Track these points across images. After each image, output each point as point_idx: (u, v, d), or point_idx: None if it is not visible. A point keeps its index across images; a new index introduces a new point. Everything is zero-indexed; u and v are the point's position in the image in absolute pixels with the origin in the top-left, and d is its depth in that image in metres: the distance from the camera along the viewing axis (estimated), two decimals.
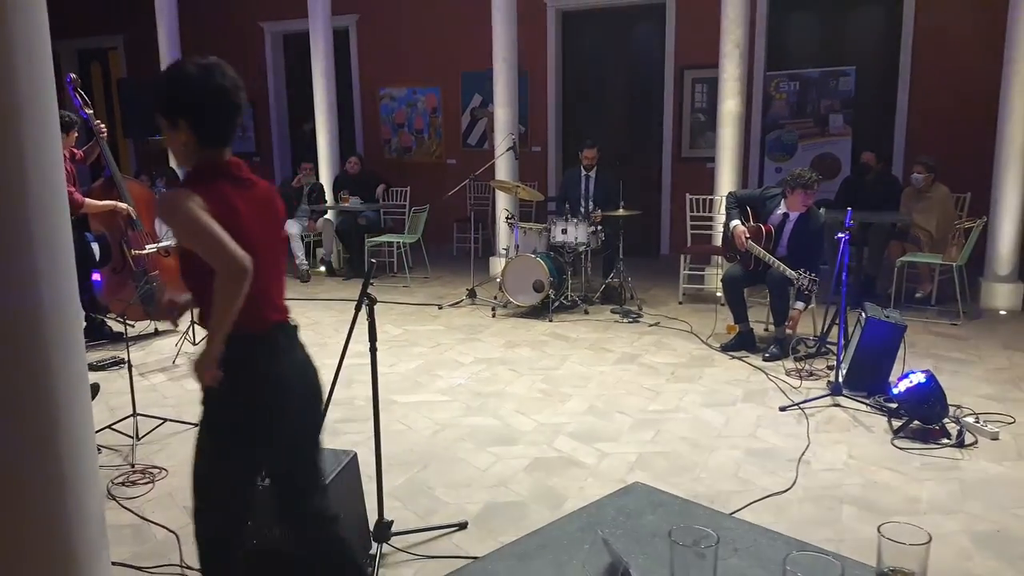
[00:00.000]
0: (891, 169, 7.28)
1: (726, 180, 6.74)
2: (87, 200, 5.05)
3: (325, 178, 8.49)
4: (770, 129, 7.89)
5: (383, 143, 9.91)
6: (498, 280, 6.48)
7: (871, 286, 6.52)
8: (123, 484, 3.35)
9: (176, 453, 3.64)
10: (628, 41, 8.67)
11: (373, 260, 2.84)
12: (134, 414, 3.76)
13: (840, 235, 4.22)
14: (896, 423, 3.83)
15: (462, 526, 2.95)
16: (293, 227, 8.07)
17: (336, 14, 8.55)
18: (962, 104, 7.09)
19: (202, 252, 1.71)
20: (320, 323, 6.17)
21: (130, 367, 3.81)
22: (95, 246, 5.94)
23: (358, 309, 2.67)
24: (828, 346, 5.01)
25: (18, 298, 1.44)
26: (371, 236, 7.85)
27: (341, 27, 9.47)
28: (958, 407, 3.97)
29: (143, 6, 9.18)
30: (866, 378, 4.29)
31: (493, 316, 6.28)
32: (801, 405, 4.17)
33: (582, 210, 6.79)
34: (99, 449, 3.68)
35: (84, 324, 5.64)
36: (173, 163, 8.91)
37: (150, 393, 4.34)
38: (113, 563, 2.70)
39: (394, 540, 2.79)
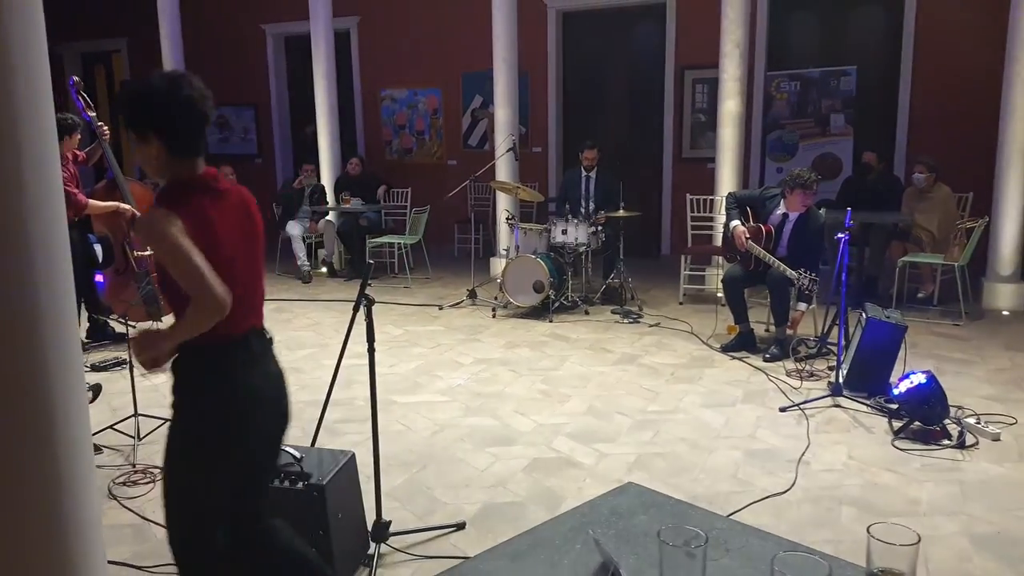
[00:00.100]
0: (892, 169, 7.26)
1: (726, 180, 6.73)
2: (90, 201, 5.06)
3: (327, 179, 8.50)
4: (771, 129, 7.88)
5: (384, 144, 9.92)
6: (498, 281, 6.48)
7: (873, 286, 6.50)
8: (124, 484, 3.35)
9: None
10: (628, 41, 8.67)
11: (371, 261, 2.84)
12: (135, 414, 3.77)
13: (840, 235, 4.22)
14: (897, 424, 3.82)
15: (460, 526, 2.95)
16: (295, 228, 8.09)
17: (337, 16, 8.57)
18: (964, 103, 7.07)
19: (182, 283, 1.73)
20: (321, 323, 6.18)
21: (131, 368, 3.81)
22: (98, 247, 5.96)
23: (356, 310, 2.68)
24: (829, 346, 5.00)
25: (15, 298, 1.44)
26: (372, 237, 7.86)
27: (342, 29, 9.49)
28: (959, 408, 3.96)
29: (146, 9, 9.21)
30: (867, 379, 4.28)
31: (493, 317, 6.28)
32: (801, 406, 4.16)
33: (582, 211, 6.79)
34: (100, 449, 3.70)
35: (88, 325, 5.70)
36: None
37: (151, 393, 4.35)
38: (113, 562, 2.72)
39: (392, 540, 2.78)
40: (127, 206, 5.22)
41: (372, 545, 2.71)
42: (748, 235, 5.04)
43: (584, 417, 4.12)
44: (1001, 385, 4.47)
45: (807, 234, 4.98)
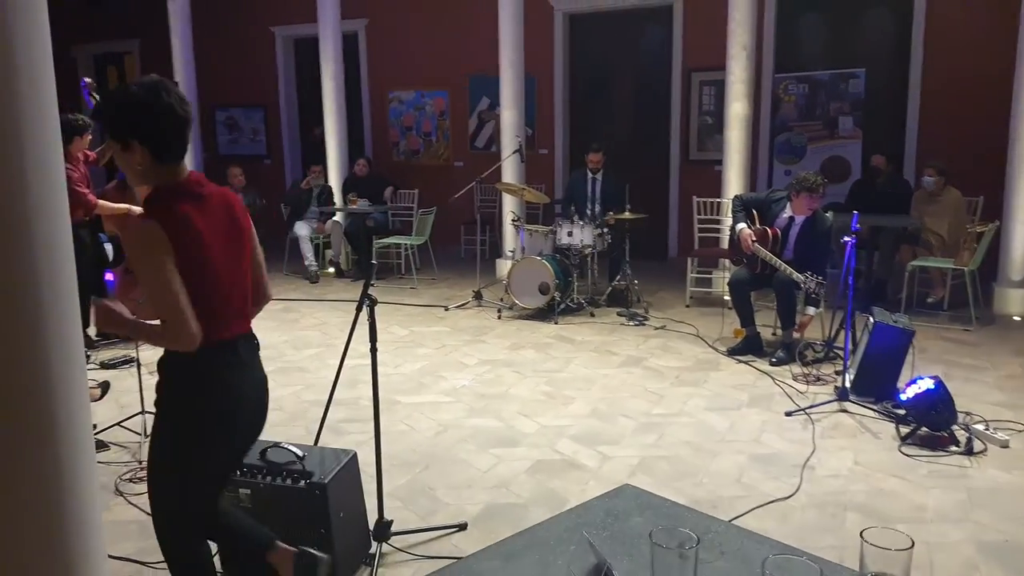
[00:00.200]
0: (902, 172, 7.21)
1: (734, 183, 6.71)
2: (100, 202, 5.09)
3: (334, 181, 8.53)
4: (779, 131, 7.85)
5: (391, 146, 9.94)
6: (504, 282, 6.48)
7: (882, 290, 6.46)
8: (131, 480, 3.38)
9: None
10: (635, 43, 8.65)
11: (374, 261, 2.84)
12: (143, 411, 3.78)
13: (846, 239, 4.19)
14: (904, 429, 3.79)
15: (462, 527, 2.95)
16: (302, 229, 8.12)
17: (346, 18, 8.60)
18: (974, 106, 7.02)
19: (155, 307, 1.79)
20: (327, 323, 6.19)
21: (139, 365, 3.84)
22: (109, 246, 6.01)
23: (359, 310, 2.69)
24: (836, 351, 4.97)
25: (19, 296, 1.44)
26: (379, 238, 7.87)
27: (351, 31, 9.52)
28: (968, 414, 3.92)
29: (158, 12, 9.27)
30: (874, 384, 4.25)
31: (499, 318, 6.27)
32: (807, 410, 4.13)
33: (588, 213, 6.78)
34: (108, 445, 3.73)
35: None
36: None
37: None
38: (118, 558, 2.74)
39: (394, 540, 2.79)
40: (138, 208, 5.24)
41: (374, 544, 2.71)
42: (754, 238, 5.02)
43: (588, 419, 4.11)
44: (1011, 391, 4.42)
45: (814, 237, 4.95)
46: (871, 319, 4.38)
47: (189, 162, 7.68)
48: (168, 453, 1.96)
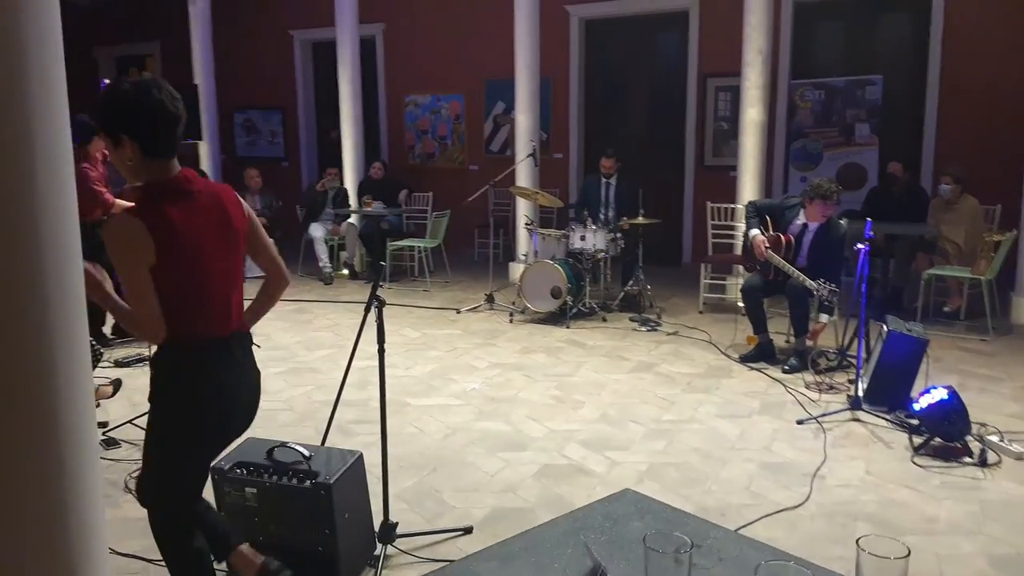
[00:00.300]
0: (919, 180, 7.14)
1: (748, 189, 6.67)
2: (117, 201, 5.16)
3: (350, 183, 8.58)
4: (795, 138, 7.80)
5: (407, 149, 9.98)
6: (516, 286, 6.48)
7: (898, 299, 6.40)
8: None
9: None
10: (651, 49, 8.64)
11: (383, 263, 2.86)
12: None
13: (860, 246, 4.15)
14: (917, 440, 3.74)
15: (467, 530, 2.94)
16: (317, 230, 8.18)
17: (364, 23, 8.66)
18: (992, 113, 6.94)
19: (128, 299, 1.87)
20: (340, 324, 6.22)
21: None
22: None
23: (367, 311, 2.70)
24: (849, 359, 4.93)
25: (25, 292, 1.45)
26: (393, 240, 7.91)
27: (368, 36, 9.58)
28: (982, 425, 3.87)
29: (178, 14, 9.39)
30: (887, 393, 4.21)
31: (511, 322, 6.28)
32: (819, 419, 4.10)
33: (602, 217, 6.77)
34: (119, 443, 3.77)
35: (114, 321, 5.80)
36: (203, 165, 9.09)
37: None
38: (125, 554, 2.76)
39: (399, 542, 2.79)
40: None
41: (379, 546, 2.72)
42: (768, 244, 4.99)
43: (597, 424, 4.10)
44: None
45: (827, 245, 4.91)
46: (885, 327, 4.33)
47: (206, 163, 7.82)
48: (159, 447, 1.99)
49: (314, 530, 2.45)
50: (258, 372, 2.15)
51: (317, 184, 8.45)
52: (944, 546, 2.87)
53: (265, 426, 4.06)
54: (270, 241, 2.21)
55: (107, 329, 5.61)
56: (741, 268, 6.17)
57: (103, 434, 3.83)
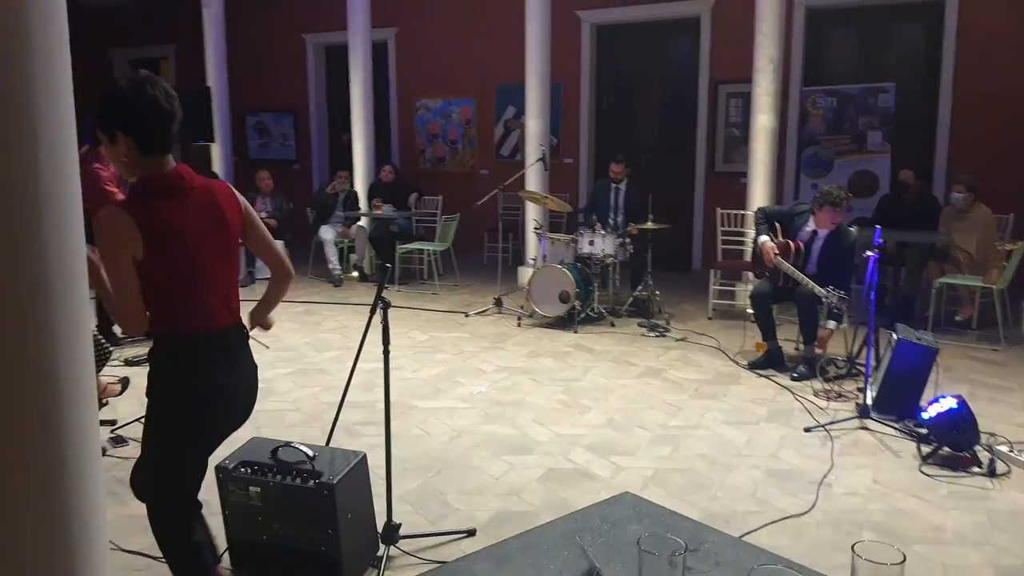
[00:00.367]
0: (931, 188, 7.10)
1: (759, 195, 6.65)
2: None
3: (360, 186, 8.62)
4: (806, 145, 7.77)
5: (418, 153, 10.02)
6: (525, 290, 6.48)
7: (909, 307, 6.35)
8: None
9: None
10: (662, 55, 8.64)
11: (388, 264, 2.86)
12: None
13: (869, 254, 4.13)
14: (925, 449, 3.71)
15: (471, 533, 2.94)
16: (327, 233, 8.22)
17: (376, 27, 8.70)
18: (1006, 122, 6.90)
19: (112, 289, 1.90)
20: (349, 327, 6.24)
21: None
22: None
23: (373, 312, 2.71)
24: (858, 367, 4.89)
25: (28, 293, 1.45)
26: (402, 243, 7.93)
27: (380, 40, 9.63)
28: (992, 435, 3.83)
29: (192, 18, 9.47)
30: (896, 401, 4.18)
31: (518, 325, 6.28)
32: (827, 427, 4.07)
33: (611, 222, 6.77)
34: (127, 441, 3.79)
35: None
36: (216, 167, 9.15)
37: None
38: (129, 551, 2.78)
39: (402, 543, 2.79)
40: None
41: (382, 547, 2.72)
42: (777, 251, 4.97)
43: (603, 429, 4.09)
44: None
45: (837, 252, 4.89)
46: (894, 336, 4.31)
47: (218, 165, 7.88)
48: (156, 440, 2.01)
49: (317, 530, 2.46)
50: (255, 366, 2.16)
51: (327, 186, 8.49)
52: (951, 556, 2.84)
53: (272, 426, 4.08)
54: (271, 240, 2.22)
55: (118, 329, 5.65)
56: (751, 274, 6.15)
57: (112, 432, 3.86)
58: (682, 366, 5.24)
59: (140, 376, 4.65)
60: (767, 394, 4.68)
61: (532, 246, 7.44)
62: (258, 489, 2.50)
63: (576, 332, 6.04)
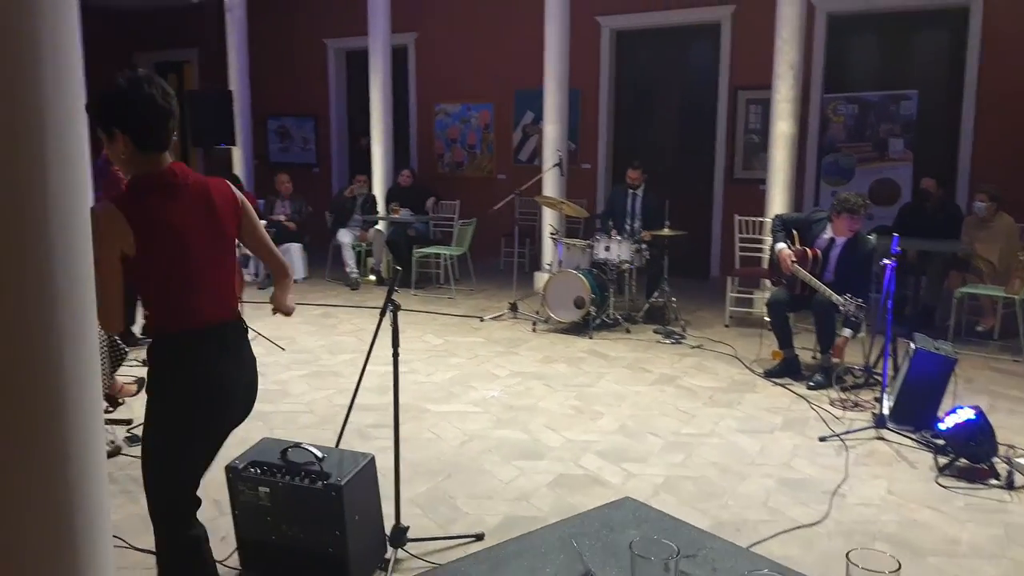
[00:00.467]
0: (954, 196, 7.00)
1: (777, 202, 6.60)
2: None
3: (379, 190, 8.67)
4: (827, 152, 7.70)
5: (436, 157, 10.06)
6: (540, 295, 6.48)
7: (930, 317, 6.27)
8: None
9: None
10: (682, 61, 8.61)
11: (398, 267, 2.87)
12: None
13: (886, 262, 4.08)
14: (942, 460, 3.66)
15: (479, 537, 2.95)
16: (345, 236, 8.27)
17: (396, 32, 8.77)
18: None
19: (95, 283, 1.87)
20: (364, 330, 6.27)
21: None
22: None
23: (383, 315, 2.72)
24: (876, 376, 4.83)
25: (33, 292, 1.43)
26: (419, 247, 7.97)
27: (400, 45, 9.68)
28: (1011, 447, 3.77)
29: (216, 23, 9.59)
30: (913, 412, 4.12)
31: (533, 331, 6.28)
32: (842, 436, 4.03)
33: (627, 228, 6.75)
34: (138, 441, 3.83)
35: (143, 321, 5.91)
36: (236, 170, 9.26)
37: None
38: (141, 550, 2.81)
39: (410, 546, 2.80)
40: None
41: (389, 549, 2.73)
42: (794, 258, 4.93)
43: (615, 436, 4.08)
44: None
45: (855, 260, 4.83)
46: (912, 345, 4.25)
47: (239, 168, 7.96)
48: (154, 436, 2.03)
49: (324, 531, 2.47)
50: (254, 361, 2.17)
51: (346, 190, 8.56)
52: (966, 569, 2.79)
53: (286, 427, 4.11)
54: (267, 239, 2.24)
55: (137, 329, 5.72)
56: (768, 282, 6.10)
57: (128, 431, 3.91)
58: (697, 373, 5.20)
59: None
60: (782, 403, 4.63)
61: (548, 251, 7.43)
62: (267, 489, 2.52)
63: (591, 338, 6.03)
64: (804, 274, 4.85)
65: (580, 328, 6.19)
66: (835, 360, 4.93)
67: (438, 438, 4.02)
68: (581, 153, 8.98)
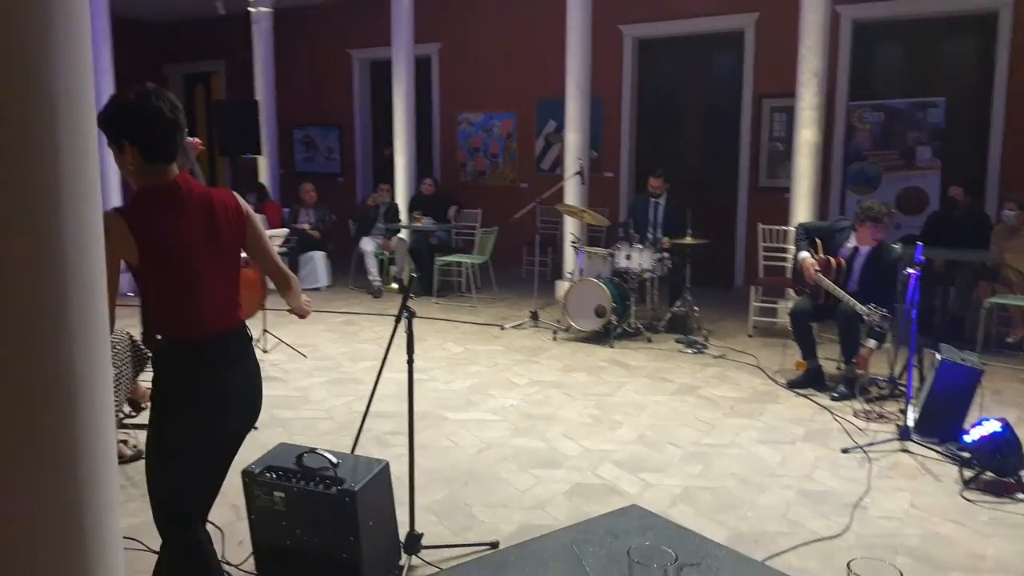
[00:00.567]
0: (982, 205, 6.87)
1: (802, 211, 6.53)
2: None
3: (401, 199, 8.74)
4: (852, 160, 7.60)
5: (459, 166, 10.12)
6: (561, 303, 6.47)
7: (958, 327, 6.15)
8: None
9: None
10: (705, 69, 8.58)
11: (414, 275, 2.89)
12: None
13: (909, 271, 4.02)
14: (968, 473, 3.58)
15: (493, 545, 2.94)
16: (368, 244, 8.35)
17: (419, 43, 8.85)
18: None
19: None
20: (385, 337, 6.25)
21: None
22: None
23: (398, 321, 2.74)
24: (901, 388, 4.75)
25: (45, 294, 1.43)
26: (441, 256, 8.00)
27: (424, 55, 9.77)
28: None
29: (242, 34, 9.77)
30: (939, 424, 4.04)
31: (554, 339, 6.26)
32: (865, 448, 3.96)
33: (649, 237, 6.72)
34: None
35: None
36: (262, 179, 9.40)
37: None
38: (158, 552, 2.84)
39: (424, 553, 2.80)
40: None
41: (404, 556, 2.74)
42: (818, 267, 4.87)
43: (633, 445, 4.05)
44: None
45: (879, 269, 4.76)
46: (938, 356, 4.17)
47: (265, 177, 8.08)
48: (156, 444, 2.05)
49: (338, 536, 2.49)
50: (257, 370, 2.18)
51: (369, 199, 8.63)
52: None
53: (306, 434, 4.15)
54: (272, 250, 2.26)
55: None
56: (792, 291, 6.03)
57: None
58: (719, 383, 5.15)
59: None
60: (805, 413, 4.57)
61: (569, 260, 7.42)
62: (282, 494, 2.54)
63: (612, 347, 6.00)
64: (827, 283, 4.79)
65: (601, 337, 6.17)
66: (859, 371, 4.86)
67: (456, 446, 4.02)
68: (604, 161, 8.97)
